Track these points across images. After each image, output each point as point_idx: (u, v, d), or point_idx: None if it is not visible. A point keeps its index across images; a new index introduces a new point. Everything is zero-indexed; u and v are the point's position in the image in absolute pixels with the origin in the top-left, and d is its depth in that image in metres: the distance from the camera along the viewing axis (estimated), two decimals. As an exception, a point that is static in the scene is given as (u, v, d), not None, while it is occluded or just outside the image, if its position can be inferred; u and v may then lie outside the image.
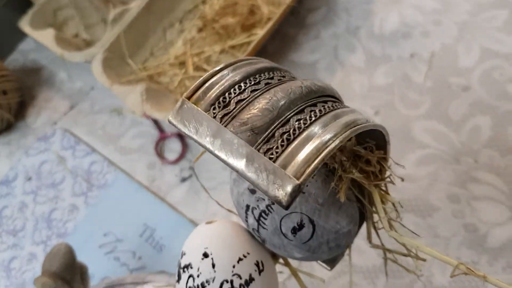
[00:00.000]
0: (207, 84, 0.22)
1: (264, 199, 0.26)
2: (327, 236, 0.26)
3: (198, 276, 0.27)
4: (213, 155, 0.21)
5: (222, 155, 0.21)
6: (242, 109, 0.21)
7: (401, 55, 0.50)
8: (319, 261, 0.31)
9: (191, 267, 0.27)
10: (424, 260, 0.26)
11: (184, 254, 0.28)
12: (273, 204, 0.26)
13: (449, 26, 0.50)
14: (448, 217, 0.42)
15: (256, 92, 0.22)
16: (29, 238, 0.51)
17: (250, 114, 0.21)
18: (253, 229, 0.27)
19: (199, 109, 0.22)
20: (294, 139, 0.20)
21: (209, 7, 0.56)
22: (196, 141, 0.21)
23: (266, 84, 0.23)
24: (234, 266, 0.27)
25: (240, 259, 0.27)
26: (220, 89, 0.22)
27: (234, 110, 0.21)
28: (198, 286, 0.26)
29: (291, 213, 0.26)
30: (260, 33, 0.51)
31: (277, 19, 0.50)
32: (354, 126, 0.21)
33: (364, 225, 0.29)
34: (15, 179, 0.54)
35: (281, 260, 0.31)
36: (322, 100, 0.23)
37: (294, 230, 0.26)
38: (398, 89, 0.48)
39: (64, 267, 0.38)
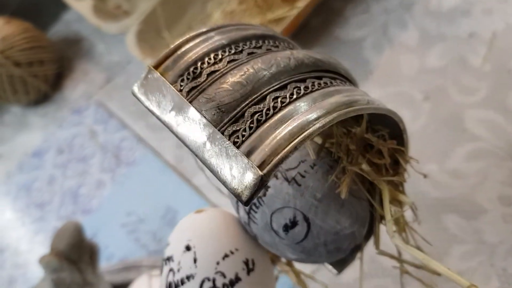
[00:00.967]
0: (179, 52, 0.19)
1: (254, 190, 0.23)
2: (325, 237, 0.22)
3: (178, 270, 0.24)
4: (173, 134, 0.18)
5: (181, 134, 0.17)
6: (213, 82, 0.18)
7: (458, 35, 0.44)
8: (325, 263, 0.27)
9: (172, 260, 0.24)
10: (439, 274, 0.22)
11: (168, 244, 0.25)
12: (264, 195, 0.22)
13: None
14: (497, 221, 0.36)
15: (233, 63, 0.18)
16: (55, 212, 0.50)
17: (219, 88, 0.17)
18: (244, 222, 0.24)
19: (165, 80, 0.18)
20: (267, 120, 0.17)
21: (249, -22, 0.52)
22: (157, 116, 0.18)
23: (249, 54, 0.19)
24: (218, 263, 0.23)
25: (226, 255, 0.24)
26: (193, 58, 0.19)
27: (203, 83, 0.18)
28: (177, 282, 0.24)
29: (284, 208, 0.22)
30: (300, 5, 0.47)
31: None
32: (347, 108, 0.17)
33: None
34: (47, 151, 0.54)
35: (283, 260, 0.27)
36: (315, 75, 0.19)
37: (286, 228, 0.22)
38: (451, 72, 0.43)
39: (71, 247, 0.37)
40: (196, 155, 0.17)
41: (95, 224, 0.47)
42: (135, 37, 0.51)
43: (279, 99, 0.17)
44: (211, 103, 0.17)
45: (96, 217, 0.48)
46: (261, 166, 0.16)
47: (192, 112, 0.17)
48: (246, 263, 0.24)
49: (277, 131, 0.16)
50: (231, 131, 0.17)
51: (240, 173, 0.16)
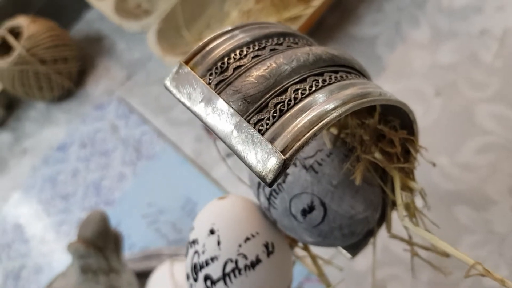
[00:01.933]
0: (207, 48, 0.21)
1: (275, 177, 0.24)
2: (340, 221, 0.24)
3: (203, 252, 0.25)
4: (203, 123, 0.19)
5: (211, 123, 0.19)
6: (239, 75, 0.20)
7: (470, 32, 0.45)
8: (340, 248, 0.29)
9: (197, 243, 0.26)
10: (447, 256, 0.23)
11: (193, 228, 0.27)
12: (284, 182, 0.24)
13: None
14: (506, 212, 0.38)
15: (257, 58, 0.20)
16: (79, 204, 0.52)
17: (245, 81, 0.19)
18: (264, 207, 0.26)
19: (195, 74, 0.20)
20: (288, 110, 0.18)
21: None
22: (188, 108, 0.20)
23: (271, 50, 0.21)
24: (240, 246, 0.25)
25: (247, 239, 0.25)
26: (220, 54, 0.20)
27: (230, 77, 0.20)
28: (202, 263, 0.25)
29: (302, 194, 0.24)
30: (316, 4, 0.48)
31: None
32: (361, 99, 0.19)
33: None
34: (71, 145, 0.56)
35: (300, 244, 0.29)
36: (332, 69, 0.20)
37: (304, 212, 0.24)
38: (463, 68, 0.44)
39: (98, 234, 0.38)
40: (224, 142, 0.18)
41: (117, 215, 0.49)
42: (156, 35, 0.52)
43: (299, 91, 0.19)
44: (238, 95, 0.19)
45: (118, 209, 0.50)
46: (283, 151, 0.17)
47: (221, 103, 0.19)
48: (266, 246, 0.26)
49: (298, 120, 0.18)
50: (256, 120, 0.18)
51: (264, 158, 0.17)
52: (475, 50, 0.44)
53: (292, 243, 0.28)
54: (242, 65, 0.20)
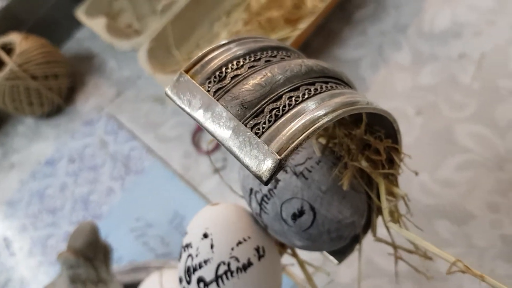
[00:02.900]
0: (206, 59, 0.22)
1: (266, 183, 0.25)
2: (328, 226, 0.25)
3: (196, 255, 0.26)
4: (203, 128, 0.21)
5: (210, 128, 0.20)
6: (236, 84, 0.21)
7: (450, 55, 0.47)
8: (326, 253, 0.30)
9: (191, 247, 0.27)
10: (430, 258, 0.25)
11: (186, 233, 0.28)
12: (275, 188, 0.25)
13: (504, 27, 0.47)
14: (486, 227, 0.39)
15: (253, 68, 0.21)
16: (66, 218, 0.52)
17: (242, 89, 0.20)
18: (256, 213, 0.27)
19: (195, 82, 0.21)
20: (283, 115, 0.20)
21: (255, 0, 0.55)
22: (188, 113, 0.21)
23: (266, 61, 0.22)
24: (232, 249, 0.26)
25: (239, 242, 0.26)
26: (218, 64, 0.22)
27: (228, 85, 0.21)
28: (195, 265, 0.26)
29: (292, 199, 0.25)
30: (302, 27, 0.50)
31: (320, 13, 0.49)
32: (350, 107, 0.20)
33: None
34: (59, 160, 0.56)
35: (289, 251, 0.30)
36: (322, 80, 0.22)
37: (294, 217, 0.25)
38: (443, 89, 0.46)
39: (88, 245, 0.39)
40: (223, 145, 0.20)
41: (105, 229, 0.50)
42: (147, 53, 0.54)
43: (293, 98, 0.20)
44: (235, 101, 0.20)
45: (106, 222, 0.51)
46: (279, 152, 0.18)
47: (219, 108, 0.20)
48: (257, 249, 0.27)
49: (292, 124, 0.19)
50: (252, 124, 0.19)
51: (261, 158, 0.19)
52: (454, 73, 0.46)
53: (281, 249, 0.29)
54: (239, 74, 0.21)
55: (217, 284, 0.26)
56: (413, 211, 0.40)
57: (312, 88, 0.21)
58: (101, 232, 0.43)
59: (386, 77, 0.49)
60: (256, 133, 0.19)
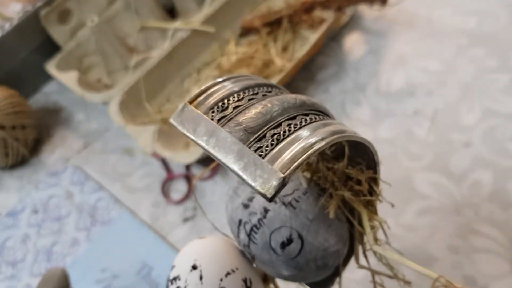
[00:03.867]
0: (208, 92, 0.24)
1: (256, 213, 0.27)
2: (315, 253, 0.26)
3: (185, 287, 0.27)
4: (207, 152, 0.22)
5: (215, 152, 0.22)
6: (239, 113, 0.23)
7: (405, 111, 0.52)
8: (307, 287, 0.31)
9: (179, 279, 0.27)
10: (409, 283, 0.26)
11: (174, 266, 0.28)
12: (265, 218, 0.27)
13: (453, 87, 0.52)
14: (447, 267, 0.42)
15: (253, 100, 0.24)
16: (27, 270, 0.51)
17: (245, 117, 0.22)
18: (244, 245, 0.28)
19: (199, 112, 0.23)
20: (283, 139, 0.22)
21: (226, 59, 0.59)
22: (193, 140, 0.23)
23: (263, 95, 0.24)
24: (221, 280, 0.27)
25: (228, 273, 0.27)
26: (220, 96, 0.24)
27: (230, 114, 0.23)
28: (185, 297, 0.27)
29: (281, 227, 0.26)
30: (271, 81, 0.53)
31: (288, 73, 0.53)
32: (342, 134, 0.22)
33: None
34: (22, 211, 0.55)
35: (272, 286, 0.31)
36: (314, 112, 0.24)
37: (283, 245, 0.26)
38: (401, 142, 0.50)
39: (58, 292, 0.38)
40: (228, 167, 0.21)
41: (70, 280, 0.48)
42: (118, 105, 0.55)
43: (291, 125, 0.22)
44: (239, 127, 0.22)
45: (70, 274, 0.49)
46: (282, 171, 0.20)
47: (224, 133, 0.22)
48: (245, 281, 0.28)
49: (292, 147, 0.21)
50: (256, 147, 0.21)
51: (265, 177, 0.20)
52: (410, 127, 0.50)
53: (265, 284, 0.30)
54: (241, 105, 0.23)
55: (207, 314, 0.26)
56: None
57: (307, 118, 0.23)
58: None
59: (349, 131, 0.52)
60: (259, 155, 0.21)
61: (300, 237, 0.26)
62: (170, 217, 0.51)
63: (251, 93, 0.24)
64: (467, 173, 0.46)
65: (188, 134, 0.23)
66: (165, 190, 0.53)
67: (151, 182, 0.54)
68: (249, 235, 0.27)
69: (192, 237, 0.49)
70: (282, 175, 0.20)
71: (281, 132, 0.22)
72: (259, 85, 0.25)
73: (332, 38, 0.60)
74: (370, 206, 0.27)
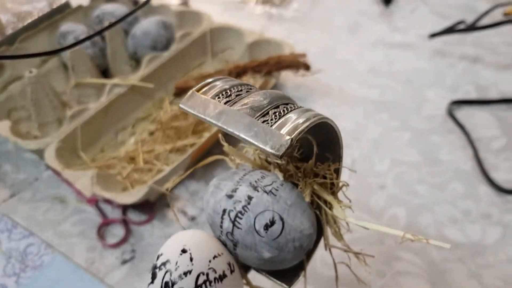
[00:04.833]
0: (210, 85, 0.28)
1: (241, 201, 0.30)
2: (294, 234, 0.30)
3: (176, 269, 0.29)
4: (218, 127, 0.26)
5: (226, 126, 0.26)
6: (242, 98, 0.27)
7: (328, 162, 0.59)
8: (276, 280, 0.34)
9: (169, 263, 0.29)
10: (372, 256, 0.31)
11: (161, 255, 0.30)
12: (249, 204, 0.30)
13: (366, 142, 0.60)
14: (377, 290, 0.47)
15: (250, 91, 0.28)
16: None
17: (248, 99, 0.27)
18: (227, 233, 0.31)
19: (207, 97, 0.27)
20: (284, 115, 0.26)
21: (163, 113, 0.63)
22: (203, 119, 0.26)
23: (247, 91, 0.29)
24: (210, 261, 0.29)
25: (215, 256, 0.30)
26: (221, 87, 0.28)
27: (235, 99, 0.27)
28: (175, 279, 0.28)
29: (265, 211, 0.30)
30: (206, 135, 0.58)
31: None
32: (321, 116, 0.27)
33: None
34: None
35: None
36: (292, 102, 0.29)
37: (267, 227, 0.30)
38: (326, 187, 0.56)
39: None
40: (240, 137, 0.25)
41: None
42: (54, 152, 0.56)
43: (287, 106, 0.27)
44: (245, 106, 0.26)
45: (-3, 320, 0.46)
46: (288, 135, 0.25)
47: (233, 111, 0.26)
48: (229, 264, 0.30)
49: (293, 119, 0.26)
50: (262, 120, 0.26)
51: (275, 140, 0.24)
52: (334, 174, 0.57)
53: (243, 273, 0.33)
54: (242, 93, 0.28)
55: (197, 293, 0.28)
56: (319, 283, 0.46)
57: (290, 105, 0.28)
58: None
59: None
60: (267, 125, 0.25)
61: (281, 219, 0.30)
62: (107, 260, 0.51)
63: (244, 87, 0.29)
64: (385, 210, 0.53)
65: (199, 115, 0.27)
66: (101, 234, 0.53)
67: (86, 228, 0.54)
68: (233, 221, 0.30)
69: (132, 278, 0.49)
70: (290, 137, 0.24)
71: (281, 110, 0.27)
72: (241, 84, 0.30)
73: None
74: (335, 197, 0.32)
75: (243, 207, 0.30)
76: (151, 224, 0.54)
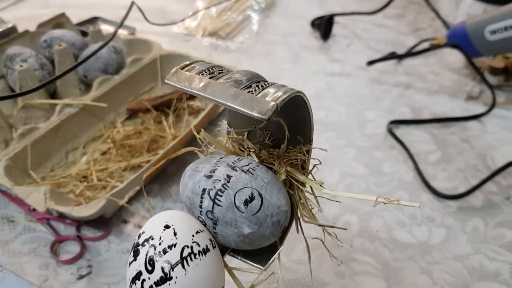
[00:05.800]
0: (190, 66, 0.30)
1: (220, 180, 0.32)
2: (272, 210, 0.32)
3: (160, 244, 0.29)
4: (205, 98, 0.28)
5: (213, 97, 0.27)
6: (224, 75, 0.29)
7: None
8: (251, 263, 0.35)
9: (152, 239, 0.29)
10: (345, 229, 0.33)
11: (143, 233, 0.30)
12: (228, 182, 0.31)
13: (316, 157, 0.63)
14: (337, 288, 0.48)
15: (228, 72, 0.30)
16: None
17: (231, 75, 0.29)
18: (207, 211, 0.32)
19: (191, 73, 0.29)
20: (265, 89, 0.28)
21: (116, 132, 0.62)
22: (190, 91, 0.28)
23: (228, 70, 0.31)
24: (193, 236, 0.30)
25: (198, 231, 0.31)
26: (203, 66, 0.30)
27: (218, 75, 0.29)
28: (159, 252, 0.29)
29: (244, 188, 0.31)
30: (160, 152, 0.59)
31: (173, 146, 0.58)
32: (295, 90, 0.30)
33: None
34: None
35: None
36: (264, 80, 0.31)
37: (246, 202, 0.31)
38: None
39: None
40: (227, 105, 0.27)
41: None
42: (3, 170, 0.54)
43: (262, 84, 0.29)
44: (230, 80, 0.28)
45: None
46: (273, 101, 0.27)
47: (218, 83, 0.28)
48: (211, 240, 0.31)
49: (272, 93, 0.28)
50: (247, 91, 0.27)
51: (262, 106, 0.26)
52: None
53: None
54: (222, 72, 0.30)
55: (182, 265, 0.29)
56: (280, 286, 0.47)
57: (264, 83, 0.30)
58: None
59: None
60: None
61: (260, 195, 0.31)
62: (61, 276, 0.49)
63: (220, 69, 0.31)
64: (339, 217, 0.55)
65: (186, 88, 0.28)
66: (54, 250, 0.51)
67: (37, 246, 0.52)
68: (214, 199, 0.31)
69: (91, 291, 0.48)
70: (275, 103, 0.26)
71: (261, 85, 0.29)
72: (219, 66, 0.31)
73: (210, 123, 0.69)
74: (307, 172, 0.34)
75: (222, 185, 0.31)
76: (107, 240, 0.53)
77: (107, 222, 0.55)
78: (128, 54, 0.75)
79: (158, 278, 0.28)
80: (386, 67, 0.82)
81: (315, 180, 0.34)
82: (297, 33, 0.93)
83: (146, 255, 0.29)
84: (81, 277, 0.49)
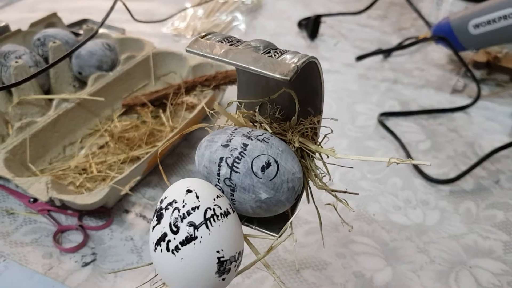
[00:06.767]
0: (208, 36, 0.31)
1: (237, 148, 0.33)
2: (287, 176, 0.33)
3: (183, 206, 0.30)
4: (227, 63, 0.29)
5: (235, 61, 0.29)
6: (242, 43, 0.30)
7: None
8: (267, 232, 0.36)
9: (175, 202, 0.30)
10: (357, 193, 0.34)
11: (165, 198, 0.31)
12: (245, 150, 0.32)
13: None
14: (339, 268, 0.49)
15: (244, 41, 0.32)
16: None
17: (250, 43, 0.30)
18: (225, 179, 0.33)
19: (212, 41, 0.30)
20: (282, 55, 0.30)
21: (113, 126, 0.63)
22: (211, 57, 0.29)
23: (244, 40, 0.32)
24: (214, 199, 0.31)
25: (218, 196, 0.32)
26: (221, 37, 0.31)
27: (237, 43, 0.30)
28: (184, 214, 0.30)
29: (260, 155, 0.32)
30: (159, 145, 0.59)
31: (170, 138, 0.60)
32: (310, 56, 0.31)
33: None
34: None
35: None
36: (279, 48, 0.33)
37: (263, 169, 0.32)
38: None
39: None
40: (248, 69, 0.28)
41: None
42: (3, 162, 0.54)
43: (279, 51, 0.30)
44: (249, 46, 0.29)
45: None
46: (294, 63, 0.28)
47: (239, 49, 0.29)
48: (230, 205, 0.32)
49: (289, 59, 0.29)
50: (267, 56, 0.29)
51: (283, 68, 0.28)
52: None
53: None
54: (240, 40, 0.31)
55: (206, 226, 0.30)
56: (282, 267, 0.48)
57: (280, 50, 0.31)
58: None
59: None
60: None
61: (276, 162, 0.32)
62: (65, 264, 0.49)
63: (237, 39, 0.32)
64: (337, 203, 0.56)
65: (208, 55, 0.29)
66: (57, 240, 0.52)
67: (39, 237, 0.52)
68: (231, 166, 0.32)
69: (95, 278, 0.48)
70: (295, 64, 0.28)
71: (279, 51, 0.30)
72: (235, 37, 0.33)
73: (205, 118, 0.70)
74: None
75: (239, 153, 0.32)
76: (109, 229, 0.53)
77: (108, 212, 0.55)
78: (121, 52, 0.76)
79: (184, 238, 0.29)
80: (373, 64, 0.85)
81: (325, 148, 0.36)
82: (285, 33, 0.95)
83: (170, 217, 0.30)
84: (85, 264, 0.49)
